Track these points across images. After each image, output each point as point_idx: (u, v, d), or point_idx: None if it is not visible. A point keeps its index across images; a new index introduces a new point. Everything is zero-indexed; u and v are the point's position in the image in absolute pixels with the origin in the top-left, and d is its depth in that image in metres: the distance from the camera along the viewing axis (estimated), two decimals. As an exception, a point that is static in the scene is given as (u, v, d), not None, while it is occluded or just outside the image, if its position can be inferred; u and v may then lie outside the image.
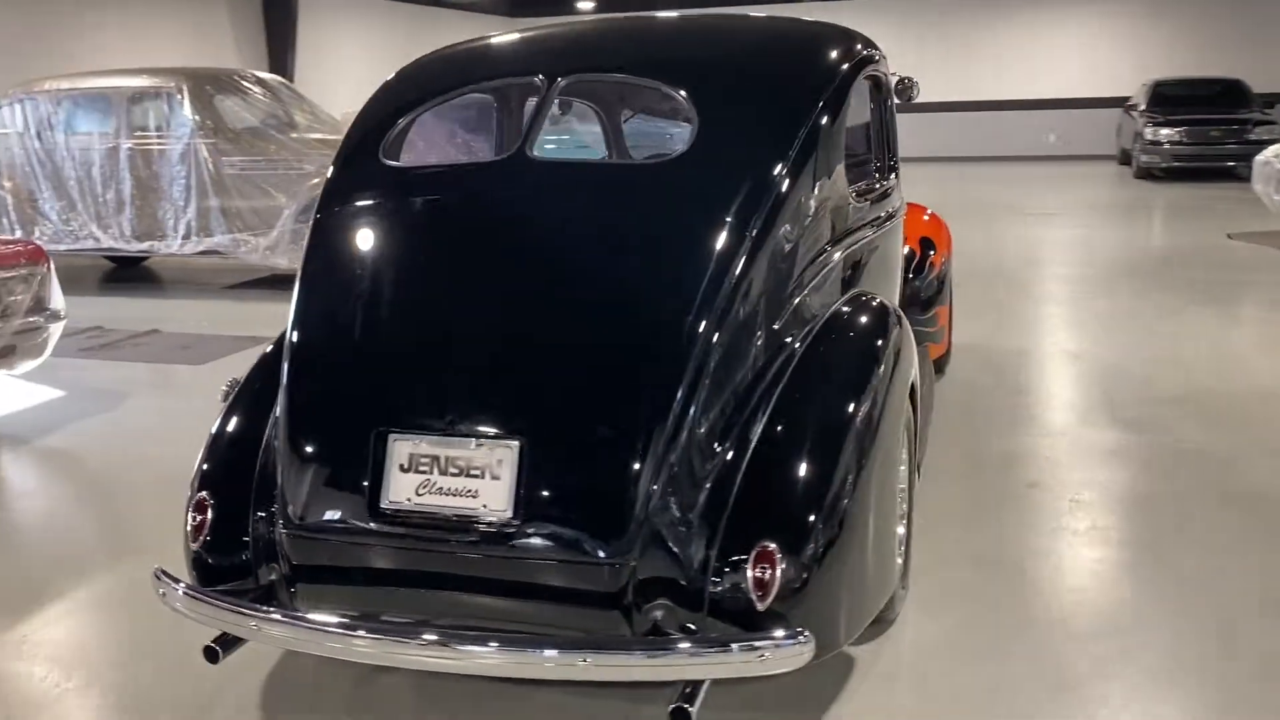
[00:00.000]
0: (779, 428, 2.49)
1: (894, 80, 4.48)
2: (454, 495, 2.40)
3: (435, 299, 2.66)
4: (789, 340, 2.69)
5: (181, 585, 2.50)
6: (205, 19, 15.95)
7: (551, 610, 2.36)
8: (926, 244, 5.28)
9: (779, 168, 2.72)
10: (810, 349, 2.69)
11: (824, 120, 2.93)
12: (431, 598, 2.43)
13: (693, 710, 2.17)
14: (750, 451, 2.44)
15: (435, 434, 2.44)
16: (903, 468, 2.92)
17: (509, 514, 2.35)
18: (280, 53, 16.71)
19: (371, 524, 2.43)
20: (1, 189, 9.23)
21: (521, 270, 2.62)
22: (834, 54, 3.28)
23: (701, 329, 2.44)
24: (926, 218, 5.55)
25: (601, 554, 2.31)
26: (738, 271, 2.53)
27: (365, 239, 2.78)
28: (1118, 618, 3.10)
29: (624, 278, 2.59)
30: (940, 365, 5.56)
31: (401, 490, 2.43)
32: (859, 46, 3.47)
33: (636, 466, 2.32)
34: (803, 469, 2.44)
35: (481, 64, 3.22)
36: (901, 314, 3.17)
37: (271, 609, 2.41)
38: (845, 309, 2.97)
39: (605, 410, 2.41)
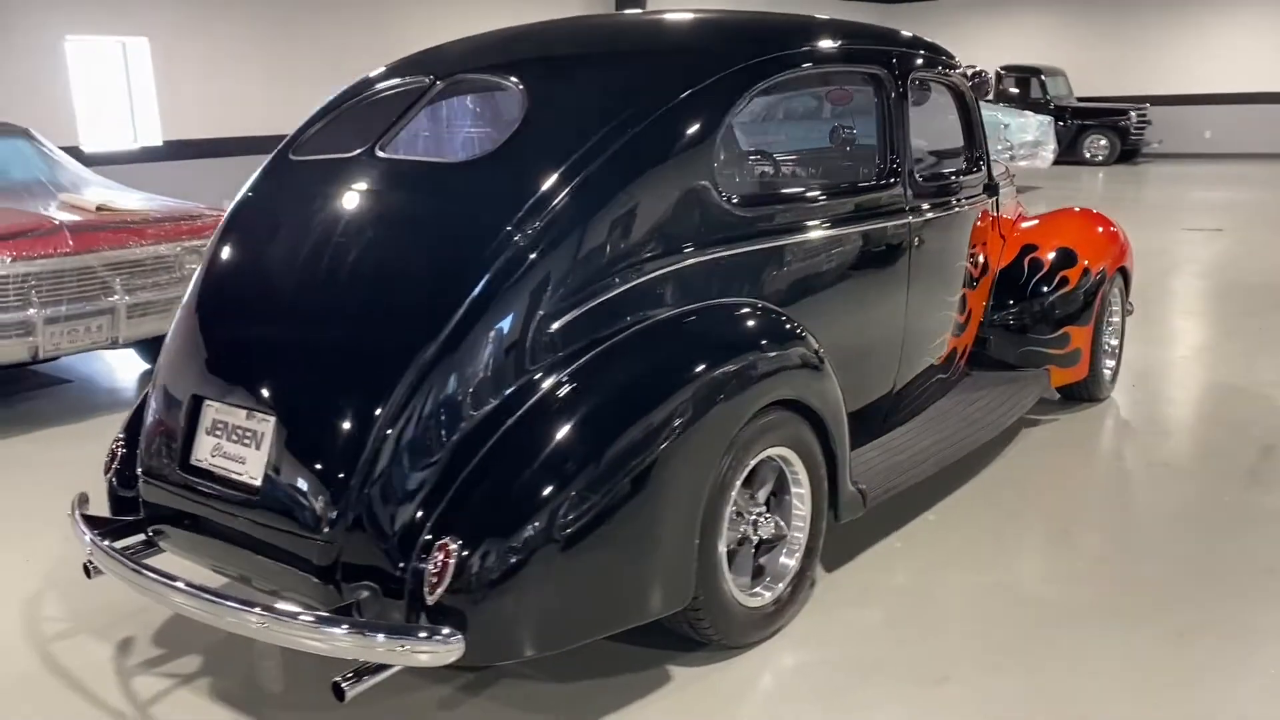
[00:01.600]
0: (521, 434, 2.46)
1: (962, 74, 4.07)
2: (232, 460, 2.64)
3: (256, 279, 2.88)
4: (571, 346, 2.59)
5: (76, 511, 2.95)
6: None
7: (288, 576, 2.52)
8: (1063, 255, 4.71)
9: (570, 174, 2.63)
10: (598, 356, 2.60)
11: (662, 125, 2.80)
12: (220, 549, 2.68)
13: (348, 689, 2.25)
14: (479, 455, 2.44)
15: (226, 403, 2.69)
16: (733, 493, 2.75)
17: (259, 482, 2.56)
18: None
19: (181, 477, 2.74)
20: None
21: (320, 259, 2.76)
22: (726, 54, 3.09)
23: (439, 331, 2.46)
24: (1096, 226, 4.97)
25: (314, 530, 2.44)
26: (490, 275, 2.50)
27: (235, 224, 3.07)
28: None
29: (386, 274, 2.65)
30: (1076, 392, 4.94)
31: (203, 450, 2.72)
32: (791, 46, 3.24)
33: (353, 453, 2.42)
34: (521, 481, 2.40)
35: (406, 67, 3.37)
36: (793, 330, 2.96)
37: (103, 541, 2.78)
38: (680, 317, 2.78)
39: (337, 397, 2.51)
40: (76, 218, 5.44)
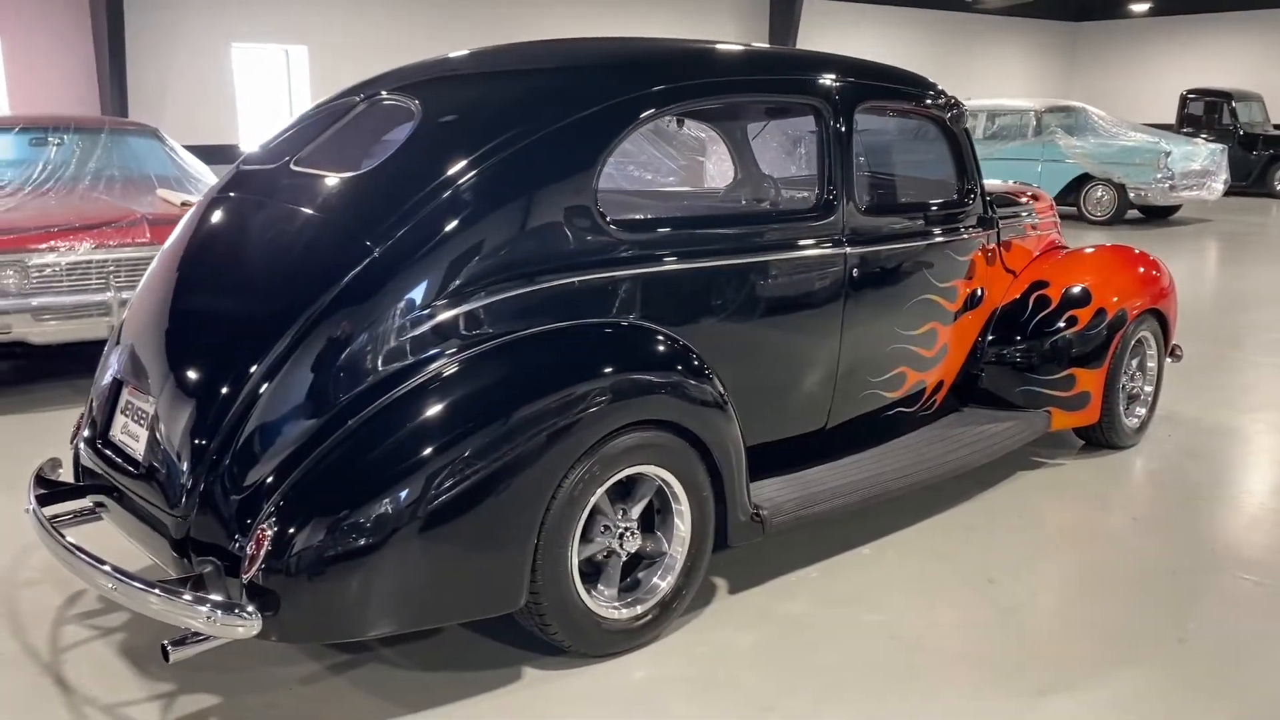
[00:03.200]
0: (360, 432, 2.63)
1: (944, 104, 4.00)
2: (131, 438, 2.95)
3: (172, 276, 3.15)
4: (424, 353, 2.72)
5: (33, 475, 3.30)
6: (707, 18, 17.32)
7: (159, 549, 2.79)
8: (1076, 293, 4.53)
9: (438, 189, 2.79)
10: (453, 363, 2.71)
11: (540, 148, 2.92)
12: (126, 520, 2.98)
13: (172, 651, 2.48)
14: (320, 447, 2.63)
15: (133, 386, 3.00)
16: (589, 504, 2.84)
17: (142, 458, 2.85)
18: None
19: (100, 451, 3.06)
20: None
21: (215, 262, 3.04)
22: (617, 82, 3.16)
23: (289, 329, 2.66)
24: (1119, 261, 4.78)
25: (171, 505, 2.70)
26: (346, 280, 2.69)
27: (185, 224, 3.37)
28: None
29: (259, 278, 2.89)
30: (1092, 437, 4.74)
31: (116, 428, 3.04)
32: (690, 78, 3.27)
33: (206, 439, 2.66)
34: (349, 474, 2.58)
35: (353, 87, 3.56)
36: (675, 353, 3.03)
37: (35, 509, 3.10)
38: (545, 333, 2.87)
39: (201, 387, 2.75)
40: (159, 211, 6.00)
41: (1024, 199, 4.90)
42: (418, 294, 2.73)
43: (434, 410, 2.67)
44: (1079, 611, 3.35)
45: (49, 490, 3.18)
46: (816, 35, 18.89)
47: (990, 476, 4.41)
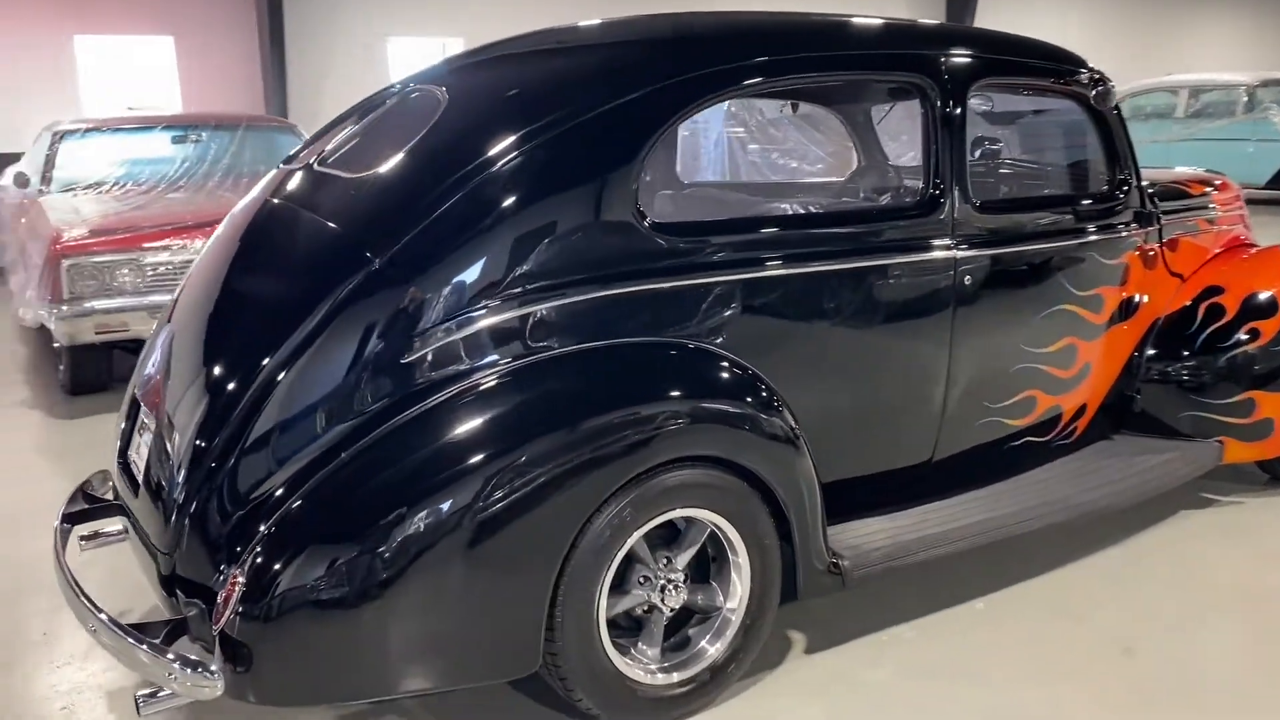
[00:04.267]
0: (345, 474, 2.32)
1: (1089, 80, 3.37)
2: (139, 457, 2.74)
3: (187, 289, 2.93)
4: (420, 381, 2.39)
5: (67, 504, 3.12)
6: None
7: (152, 581, 2.57)
8: (1260, 302, 3.82)
9: (451, 189, 2.44)
10: (453, 395, 2.38)
11: (571, 140, 2.52)
12: (135, 546, 2.78)
13: (143, 705, 2.24)
14: (307, 485, 2.33)
15: (145, 403, 2.79)
16: (619, 554, 2.45)
17: (141, 482, 2.63)
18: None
19: (121, 469, 2.88)
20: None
21: (224, 275, 2.77)
22: (668, 63, 2.72)
23: (277, 354, 2.37)
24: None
25: (160, 537, 2.46)
26: (341, 294, 2.37)
27: (219, 230, 3.15)
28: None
29: (259, 293, 2.61)
30: (1274, 470, 4.00)
31: (134, 446, 2.84)
32: (757, 54, 2.79)
33: (196, 468, 2.41)
34: (334, 522, 2.28)
35: (404, 81, 3.27)
36: (733, 376, 2.60)
37: (59, 528, 2.93)
38: (567, 355, 2.48)
39: (186, 418, 2.49)
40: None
41: (1201, 190, 4.17)
42: (418, 314, 2.39)
43: (435, 442, 2.33)
44: (1246, 699, 2.72)
45: (90, 505, 3.04)
46: (993, 14, 17.67)
47: (1144, 517, 3.76)
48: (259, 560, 2.25)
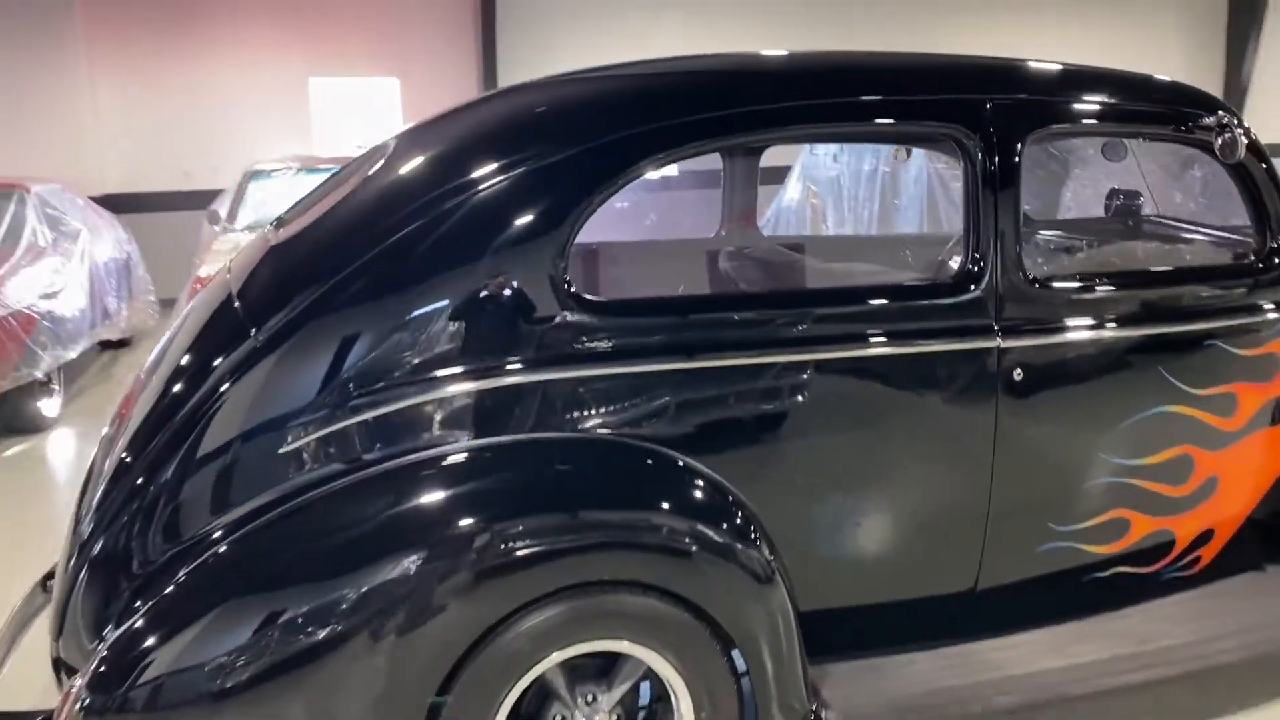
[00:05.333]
0: (179, 589, 2.07)
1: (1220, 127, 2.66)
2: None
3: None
4: (302, 471, 2.13)
5: None
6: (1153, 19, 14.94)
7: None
8: None
9: (330, 269, 2.18)
10: (290, 510, 2.10)
11: (481, 208, 2.18)
12: None
13: None
14: (151, 595, 2.11)
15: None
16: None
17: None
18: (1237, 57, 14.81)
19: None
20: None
21: (174, 336, 2.63)
22: (574, 130, 2.34)
23: (161, 438, 2.17)
24: None
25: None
26: (219, 370, 2.16)
27: None
28: None
29: (174, 356, 2.40)
30: None
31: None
32: (731, 105, 2.38)
33: (74, 560, 2.24)
34: (159, 633, 2.04)
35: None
36: (677, 479, 2.18)
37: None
38: (446, 456, 2.14)
39: (83, 508, 2.34)
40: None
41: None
42: (292, 399, 2.14)
43: (256, 575, 2.07)
44: None
45: None
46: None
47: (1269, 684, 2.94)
48: (100, 670, 2.05)
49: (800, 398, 2.34)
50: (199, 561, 2.10)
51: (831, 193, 9.31)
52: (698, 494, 2.23)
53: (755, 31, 12.75)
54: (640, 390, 2.25)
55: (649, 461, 2.24)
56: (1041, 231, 3.44)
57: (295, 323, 2.16)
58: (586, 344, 2.21)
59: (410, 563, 2.02)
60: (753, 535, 2.23)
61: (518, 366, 2.18)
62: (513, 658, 2.08)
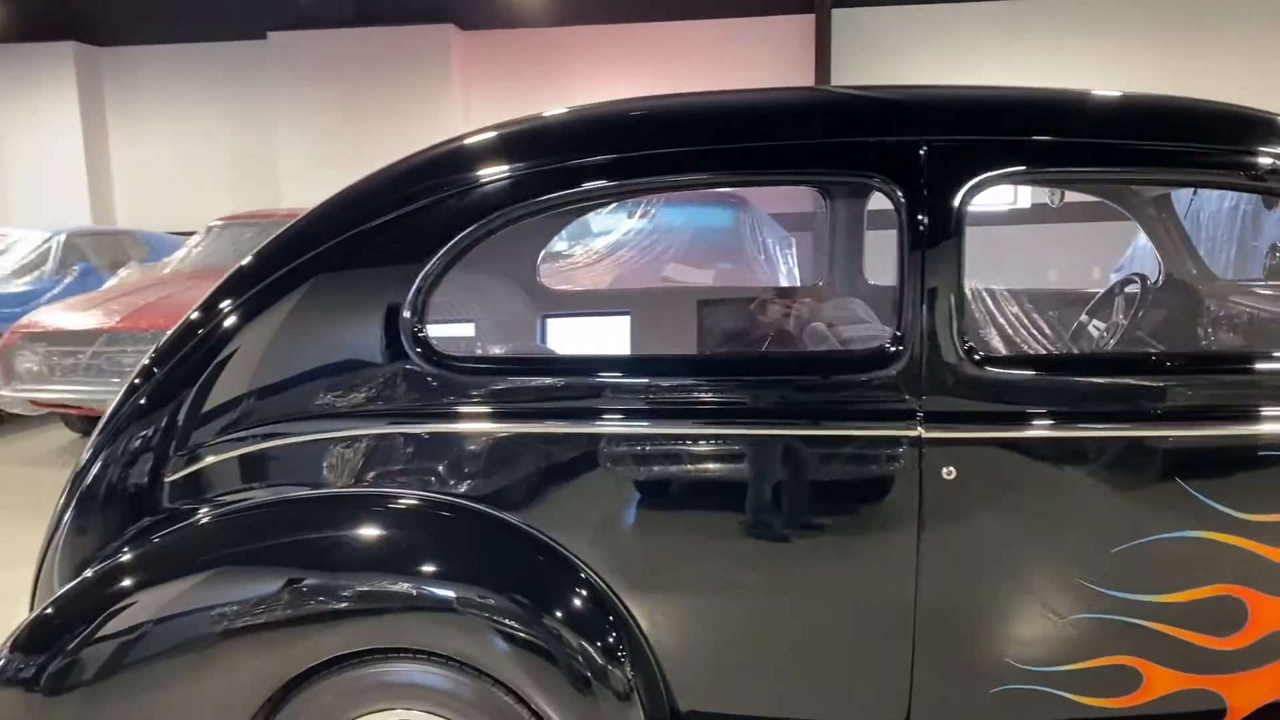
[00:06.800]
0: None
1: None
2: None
3: None
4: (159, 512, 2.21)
5: None
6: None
7: None
8: None
9: (210, 308, 2.24)
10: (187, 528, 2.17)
11: (344, 251, 2.14)
12: None
13: None
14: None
15: None
16: None
17: None
18: None
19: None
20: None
21: None
22: (429, 182, 2.19)
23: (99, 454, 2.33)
24: None
25: None
26: (125, 413, 2.28)
27: None
28: None
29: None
30: None
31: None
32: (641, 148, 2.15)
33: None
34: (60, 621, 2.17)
35: None
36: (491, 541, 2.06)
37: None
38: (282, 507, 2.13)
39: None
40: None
41: None
42: (165, 440, 2.23)
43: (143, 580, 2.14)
44: None
45: None
46: None
47: None
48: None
49: (662, 478, 2.09)
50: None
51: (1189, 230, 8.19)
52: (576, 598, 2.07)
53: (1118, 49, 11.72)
54: (500, 455, 2.13)
55: (485, 529, 2.11)
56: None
57: (179, 370, 2.26)
58: (437, 400, 2.13)
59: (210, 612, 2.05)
60: (620, 662, 2.02)
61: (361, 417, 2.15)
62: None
